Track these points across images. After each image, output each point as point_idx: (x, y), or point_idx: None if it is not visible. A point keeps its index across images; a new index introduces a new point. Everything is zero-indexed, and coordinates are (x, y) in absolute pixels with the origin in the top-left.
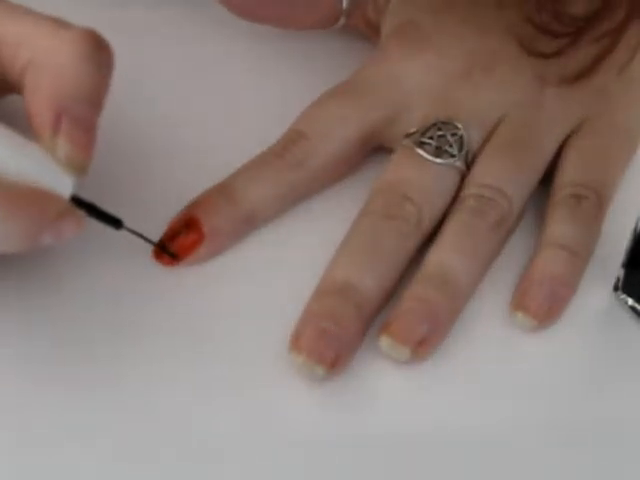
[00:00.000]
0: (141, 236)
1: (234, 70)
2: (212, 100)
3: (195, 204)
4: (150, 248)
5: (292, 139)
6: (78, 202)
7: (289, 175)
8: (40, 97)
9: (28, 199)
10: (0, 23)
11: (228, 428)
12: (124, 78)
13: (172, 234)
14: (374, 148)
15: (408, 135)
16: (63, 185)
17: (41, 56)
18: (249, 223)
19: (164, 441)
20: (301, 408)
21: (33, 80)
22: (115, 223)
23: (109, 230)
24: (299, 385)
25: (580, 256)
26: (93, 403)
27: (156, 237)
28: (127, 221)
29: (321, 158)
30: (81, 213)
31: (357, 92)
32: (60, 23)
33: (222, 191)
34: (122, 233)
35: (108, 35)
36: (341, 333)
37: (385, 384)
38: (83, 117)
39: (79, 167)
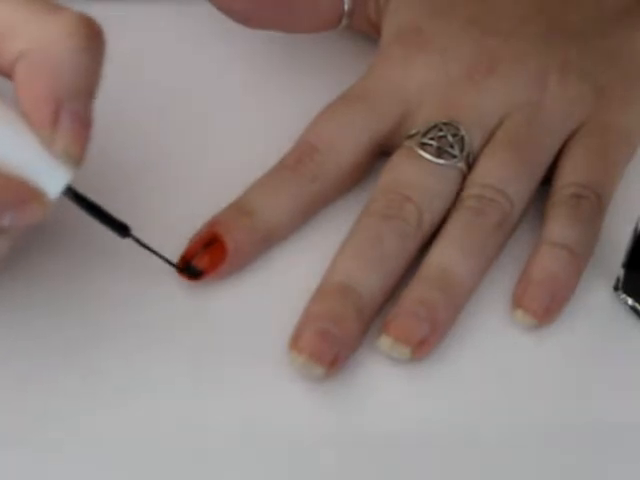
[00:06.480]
0: (155, 252)
1: (235, 72)
2: (214, 104)
3: (215, 222)
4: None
5: (305, 152)
6: (85, 203)
7: (306, 190)
8: (36, 91)
9: None
10: None
11: (227, 428)
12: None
13: (194, 251)
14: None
15: (409, 136)
16: (57, 178)
17: (34, 47)
18: (270, 240)
19: (164, 441)
20: (301, 408)
21: (27, 73)
22: (121, 230)
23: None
24: (298, 385)
25: (579, 256)
26: (92, 404)
27: (168, 251)
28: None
29: (336, 171)
30: (47, 200)
31: (364, 101)
32: (51, 7)
33: (241, 209)
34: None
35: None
36: (341, 334)
37: (384, 384)
38: (81, 111)
39: (76, 160)
